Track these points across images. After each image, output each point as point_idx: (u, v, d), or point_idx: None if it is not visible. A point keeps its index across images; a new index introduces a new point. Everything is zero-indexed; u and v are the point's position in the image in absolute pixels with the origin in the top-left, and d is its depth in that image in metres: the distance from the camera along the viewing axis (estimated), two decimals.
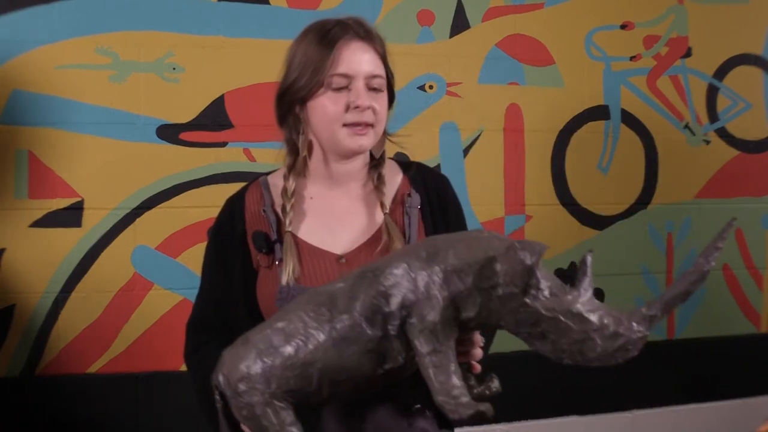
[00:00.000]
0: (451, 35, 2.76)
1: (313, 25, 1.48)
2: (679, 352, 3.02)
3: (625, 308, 1.16)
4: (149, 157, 2.44)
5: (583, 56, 2.92)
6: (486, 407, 1.12)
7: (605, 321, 1.12)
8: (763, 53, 3.16)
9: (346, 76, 1.42)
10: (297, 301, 1.22)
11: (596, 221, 2.93)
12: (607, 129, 2.96)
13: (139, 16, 2.43)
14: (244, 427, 1.22)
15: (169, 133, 2.46)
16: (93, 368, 2.40)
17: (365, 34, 1.45)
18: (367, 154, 1.51)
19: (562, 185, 2.90)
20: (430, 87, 2.73)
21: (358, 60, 1.43)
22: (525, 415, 2.80)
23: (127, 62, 2.42)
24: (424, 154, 2.63)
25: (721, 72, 3.10)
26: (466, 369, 1.28)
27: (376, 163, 1.52)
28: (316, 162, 1.50)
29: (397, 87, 1.54)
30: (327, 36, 1.43)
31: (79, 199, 2.39)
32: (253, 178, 1.56)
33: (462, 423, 1.23)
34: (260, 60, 2.51)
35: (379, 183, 1.49)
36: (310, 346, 1.15)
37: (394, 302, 1.14)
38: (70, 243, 2.38)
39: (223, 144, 2.51)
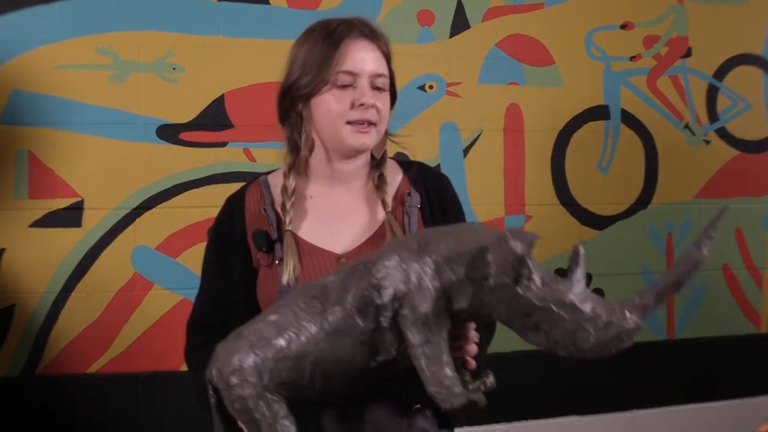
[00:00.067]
0: (451, 35, 2.76)
1: (317, 24, 1.48)
2: (679, 352, 3.02)
3: None
4: (149, 157, 2.44)
5: (583, 56, 2.92)
6: (478, 397, 1.12)
7: (598, 311, 1.12)
8: (763, 53, 3.16)
9: (351, 73, 1.42)
10: (290, 295, 1.22)
11: (596, 221, 2.93)
12: (607, 129, 2.96)
13: (139, 16, 2.43)
14: (240, 423, 1.22)
15: (169, 133, 2.46)
16: (93, 368, 2.40)
17: (370, 33, 1.46)
18: (368, 153, 1.51)
19: (562, 185, 2.90)
20: (430, 87, 2.73)
21: (363, 58, 1.43)
22: (525, 415, 2.80)
23: (127, 62, 2.42)
24: (424, 154, 2.63)
25: (721, 72, 3.10)
26: (460, 364, 1.28)
27: (377, 162, 1.52)
28: (317, 160, 1.50)
29: (398, 87, 1.54)
30: (333, 34, 1.43)
31: (79, 199, 2.39)
32: (253, 178, 1.56)
33: (455, 413, 1.23)
34: (260, 60, 2.51)
35: (380, 182, 1.49)
36: (303, 339, 1.15)
37: (386, 294, 1.14)
38: (70, 243, 2.38)
39: (223, 144, 2.51)
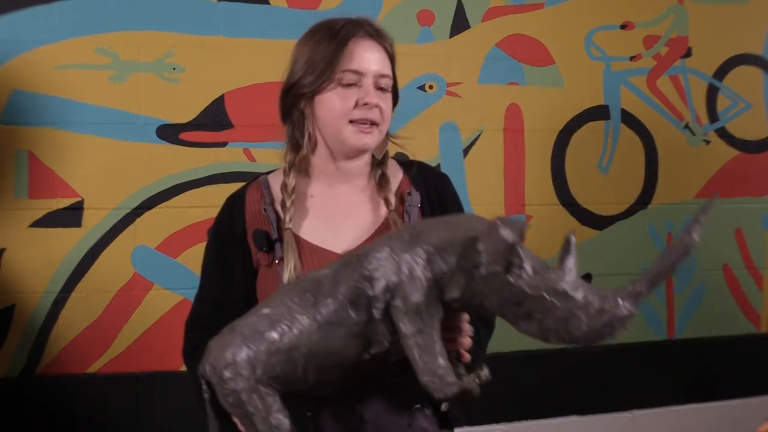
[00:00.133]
0: (451, 35, 2.76)
1: (322, 24, 1.48)
2: (679, 352, 3.02)
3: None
4: (149, 157, 2.44)
5: (583, 56, 2.92)
6: (471, 385, 1.12)
7: (590, 298, 1.11)
8: (763, 53, 3.16)
9: (357, 72, 1.42)
10: (283, 289, 1.23)
11: (596, 221, 2.93)
12: (607, 129, 2.96)
13: (139, 16, 2.43)
14: (234, 418, 1.21)
15: (169, 133, 2.46)
16: (93, 368, 2.40)
17: (376, 33, 1.46)
18: (370, 152, 1.51)
19: (562, 185, 2.90)
20: (430, 87, 2.73)
21: (369, 58, 1.43)
22: (525, 415, 2.80)
23: (127, 62, 2.42)
24: (424, 154, 2.62)
25: (721, 72, 3.10)
26: (455, 357, 1.28)
27: (379, 161, 1.52)
28: (319, 159, 1.49)
29: (398, 87, 1.54)
30: (339, 33, 1.43)
31: (79, 199, 2.39)
32: (254, 178, 1.56)
33: (448, 400, 1.23)
34: (260, 60, 2.51)
35: (382, 181, 1.49)
36: (295, 331, 1.15)
37: (378, 286, 1.15)
38: (70, 243, 2.38)
39: (223, 144, 2.51)
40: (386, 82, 1.45)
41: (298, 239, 1.43)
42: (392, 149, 1.56)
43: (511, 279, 1.10)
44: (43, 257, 2.35)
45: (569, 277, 1.12)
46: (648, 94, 3.00)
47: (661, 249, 3.01)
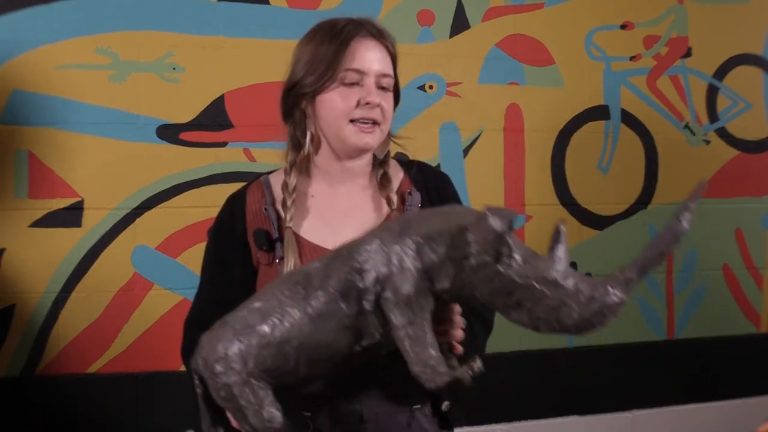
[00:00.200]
0: (451, 35, 2.76)
1: (324, 23, 1.48)
2: (679, 352, 3.02)
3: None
4: (149, 157, 2.44)
5: (583, 56, 2.92)
6: (463, 374, 1.11)
7: (580, 287, 1.10)
8: (763, 53, 3.16)
9: (359, 71, 1.42)
10: (274, 282, 1.23)
11: (596, 221, 2.93)
12: (607, 129, 2.96)
13: (139, 16, 2.43)
14: (227, 412, 1.21)
15: (169, 133, 2.46)
16: (93, 368, 2.40)
17: (378, 33, 1.46)
18: (371, 152, 1.51)
19: (562, 185, 2.90)
20: (430, 87, 2.73)
21: (371, 58, 1.43)
22: (525, 415, 2.80)
23: (127, 62, 2.42)
24: (424, 154, 2.61)
25: (721, 72, 3.10)
26: (447, 349, 1.28)
27: (380, 161, 1.52)
28: (321, 159, 1.49)
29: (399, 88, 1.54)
30: (341, 32, 1.44)
31: (79, 199, 2.39)
32: (254, 177, 1.56)
33: (441, 391, 1.22)
34: (260, 60, 2.51)
35: (384, 181, 1.49)
36: (286, 324, 1.15)
37: (368, 277, 1.14)
38: (70, 243, 2.38)
39: (223, 144, 2.51)
40: (388, 82, 1.46)
41: (298, 238, 1.43)
42: (393, 149, 1.56)
43: (500, 268, 1.10)
44: (43, 257, 2.35)
45: (559, 266, 1.11)
46: (648, 94, 3.01)
47: None
